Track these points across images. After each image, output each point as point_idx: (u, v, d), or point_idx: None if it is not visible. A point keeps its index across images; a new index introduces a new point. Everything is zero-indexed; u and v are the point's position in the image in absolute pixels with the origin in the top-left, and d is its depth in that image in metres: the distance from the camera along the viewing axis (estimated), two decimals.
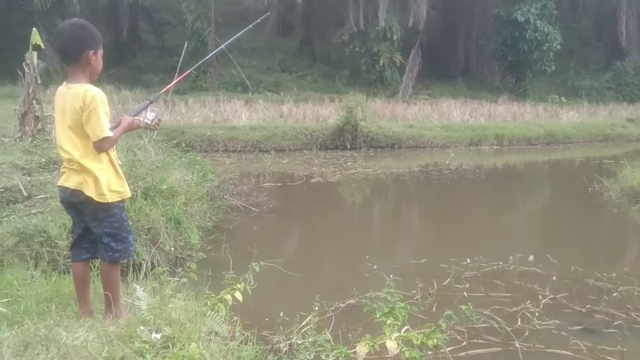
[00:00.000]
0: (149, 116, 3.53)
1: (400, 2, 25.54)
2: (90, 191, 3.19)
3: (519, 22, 24.92)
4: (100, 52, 3.25)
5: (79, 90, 3.10)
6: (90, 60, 3.19)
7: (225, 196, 8.46)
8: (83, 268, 3.43)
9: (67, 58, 3.19)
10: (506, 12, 25.73)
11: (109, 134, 3.15)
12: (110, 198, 3.24)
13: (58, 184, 3.37)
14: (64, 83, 3.23)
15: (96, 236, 3.35)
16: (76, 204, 3.28)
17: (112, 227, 3.30)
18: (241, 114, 17.84)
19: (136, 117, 3.49)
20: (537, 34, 25.07)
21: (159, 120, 3.61)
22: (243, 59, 26.03)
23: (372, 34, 24.85)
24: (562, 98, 26.75)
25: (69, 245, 3.48)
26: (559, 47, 25.93)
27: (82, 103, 3.07)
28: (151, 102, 3.64)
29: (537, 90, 27.64)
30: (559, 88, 29.01)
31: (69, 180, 3.23)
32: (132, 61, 27.05)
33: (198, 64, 5.00)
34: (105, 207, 3.25)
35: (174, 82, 4.26)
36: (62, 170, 3.33)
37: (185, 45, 14.96)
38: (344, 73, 27.07)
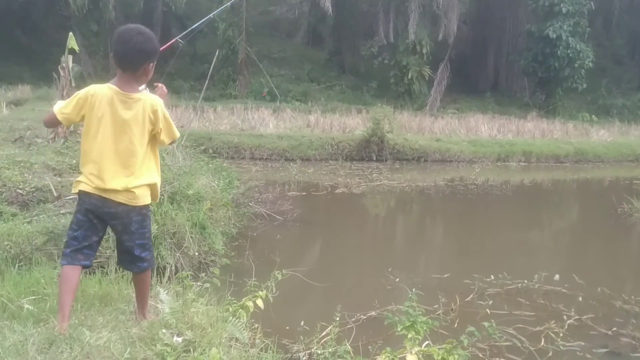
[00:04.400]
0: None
1: (431, 16, 25.47)
2: (139, 200, 3.13)
3: (551, 38, 24.67)
4: (155, 62, 3.20)
5: (146, 100, 3.10)
6: (148, 72, 3.15)
7: (250, 203, 8.51)
8: (77, 274, 3.16)
9: (126, 66, 3.09)
10: (538, 28, 25.49)
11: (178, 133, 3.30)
12: (148, 200, 3.22)
13: (85, 191, 3.13)
14: (113, 88, 3.09)
15: (124, 249, 3.23)
16: (112, 214, 3.13)
17: (145, 237, 3.23)
18: (268, 123, 17.95)
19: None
20: (568, 51, 24.78)
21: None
22: (272, 68, 26.22)
23: (402, 46, 24.84)
24: (593, 116, 26.35)
25: (66, 247, 3.17)
26: (590, 64, 25.56)
27: (152, 114, 3.10)
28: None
29: (567, 107, 27.28)
30: (589, 106, 28.59)
31: (111, 192, 3.08)
32: (164, 67, 27.35)
33: (187, 31, 5.01)
34: (141, 218, 3.17)
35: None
36: (89, 178, 3.12)
37: (217, 53, 15.21)
38: (372, 85, 27.08)
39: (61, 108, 3.15)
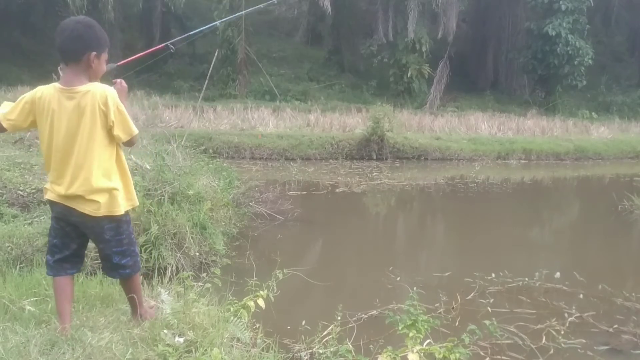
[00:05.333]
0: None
1: (430, 14, 25.46)
2: (104, 209, 2.95)
3: (550, 36, 24.66)
4: (105, 56, 3.01)
5: (95, 90, 2.86)
6: (92, 63, 2.93)
7: (250, 203, 8.52)
8: (68, 282, 3.15)
9: (67, 57, 2.90)
10: (537, 25, 25.47)
11: (136, 129, 3.01)
12: (124, 208, 3.03)
13: (50, 199, 3.00)
14: (57, 86, 2.91)
15: (103, 256, 3.16)
16: (81, 223, 3.02)
17: (123, 244, 3.09)
18: (268, 122, 17.95)
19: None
20: (568, 48, 24.76)
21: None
22: (272, 68, 26.21)
23: (401, 45, 24.82)
24: (593, 113, 26.32)
25: (49, 254, 3.11)
26: (590, 61, 25.54)
27: (102, 105, 2.86)
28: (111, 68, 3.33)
29: (567, 105, 27.27)
30: (589, 103, 28.57)
31: (73, 200, 2.93)
32: (163, 67, 27.40)
33: (183, 36, 5.01)
34: (115, 225, 3.02)
35: (137, 56, 4.22)
36: (51, 186, 2.98)
37: (216, 53, 15.23)
38: (372, 83, 27.07)
39: (5, 114, 2.93)
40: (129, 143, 3.03)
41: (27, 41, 25.69)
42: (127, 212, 3.11)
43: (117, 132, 2.92)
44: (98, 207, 2.93)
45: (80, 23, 2.93)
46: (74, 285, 3.29)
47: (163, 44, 4.59)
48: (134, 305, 3.33)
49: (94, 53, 2.92)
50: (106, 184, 2.94)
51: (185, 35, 5.08)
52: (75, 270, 3.18)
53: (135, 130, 3.00)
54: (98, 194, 2.92)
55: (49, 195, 3.02)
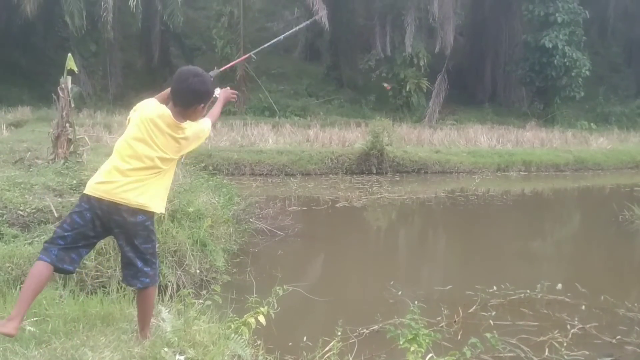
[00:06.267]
0: (215, 92, 3.59)
1: (427, 28, 25.62)
2: (153, 205, 3.16)
3: (547, 48, 24.80)
4: (208, 105, 3.38)
5: (184, 126, 3.21)
6: (197, 112, 3.30)
7: (250, 219, 8.52)
8: (49, 274, 3.10)
9: (178, 102, 3.26)
10: (534, 38, 25.63)
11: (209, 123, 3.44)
12: (163, 208, 3.30)
13: (94, 195, 3.10)
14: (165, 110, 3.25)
15: (128, 260, 3.19)
16: (117, 221, 3.11)
17: (148, 251, 3.20)
18: (268, 138, 18.00)
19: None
20: (565, 60, 24.90)
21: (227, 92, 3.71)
22: (271, 84, 26.33)
23: (399, 59, 24.95)
24: (592, 124, 26.40)
25: (51, 243, 3.11)
26: (587, 73, 25.66)
27: (184, 138, 3.21)
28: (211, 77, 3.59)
29: (565, 116, 27.34)
30: (588, 114, 28.65)
31: (123, 195, 3.07)
32: (163, 85, 27.21)
33: (258, 49, 5.13)
34: (148, 226, 3.17)
35: (233, 62, 4.77)
36: (105, 179, 3.11)
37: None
38: (371, 98, 27.16)
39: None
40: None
41: (27, 61, 25.85)
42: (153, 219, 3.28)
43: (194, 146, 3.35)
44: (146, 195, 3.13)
45: (198, 77, 3.26)
46: (48, 282, 3.27)
47: (247, 55, 4.87)
48: (145, 322, 3.32)
49: (202, 105, 3.30)
50: (159, 177, 3.23)
51: (267, 44, 5.20)
52: (71, 267, 3.16)
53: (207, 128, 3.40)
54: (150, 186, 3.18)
55: (94, 193, 3.11)
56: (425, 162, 17.14)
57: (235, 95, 3.75)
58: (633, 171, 20.04)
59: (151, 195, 3.14)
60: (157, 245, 3.35)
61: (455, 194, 13.73)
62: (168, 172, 3.26)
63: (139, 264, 3.17)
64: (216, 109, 3.60)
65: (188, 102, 3.22)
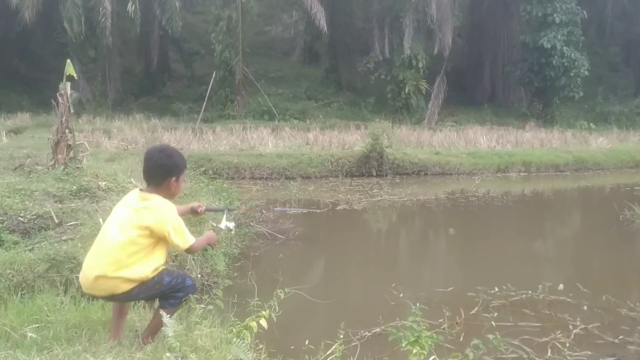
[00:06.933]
0: (230, 224, 3.88)
1: (426, 30, 25.65)
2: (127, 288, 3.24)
3: (546, 48, 24.81)
4: (183, 177, 3.48)
5: (154, 204, 3.28)
6: (171, 187, 3.40)
7: (251, 223, 8.52)
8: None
9: (150, 181, 3.41)
10: (532, 38, 25.63)
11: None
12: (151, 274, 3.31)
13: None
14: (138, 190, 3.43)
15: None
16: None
17: (159, 292, 3.37)
18: (268, 142, 18.00)
19: (213, 223, 3.86)
20: (564, 60, 24.91)
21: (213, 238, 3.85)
22: (270, 88, 26.36)
23: (398, 61, 24.97)
24: (591, 124, 26.41)
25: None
26: (586, 73, 25.67)
27: (161, 218, 3.25)
28: (229, 210, 3.99)
29: (564, 116, 27.34)
30: (587, 114, 28.66)
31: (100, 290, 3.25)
32: (162, 90, 27.60)
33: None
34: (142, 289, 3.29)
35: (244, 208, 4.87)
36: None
37: (214, 75, 15.29)
38: (370, 100, 27.18)
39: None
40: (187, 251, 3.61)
41: (26, 68, 25.90)
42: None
43: (175, 241, 3.36)
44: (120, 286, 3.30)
45: (163, 152, 3.43)
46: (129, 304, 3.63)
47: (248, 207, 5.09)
48: (154, 332, 3.45)
49: (174, 178, 3.41)
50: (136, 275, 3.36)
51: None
52: None
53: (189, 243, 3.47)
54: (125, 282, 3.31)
55: None
56: (425, 164, 17.14)
57: (215, 245, 3.88)
58: (633, 170, 20.04)
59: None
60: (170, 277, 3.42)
61: (455, 195, 13.72)
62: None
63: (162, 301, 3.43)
64: (201, 242, 3.66)
65: (158, 177, 3.36)
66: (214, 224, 3.82)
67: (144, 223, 3.20)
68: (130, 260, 3.18)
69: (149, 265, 3.25)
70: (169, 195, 3.41)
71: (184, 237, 3.34)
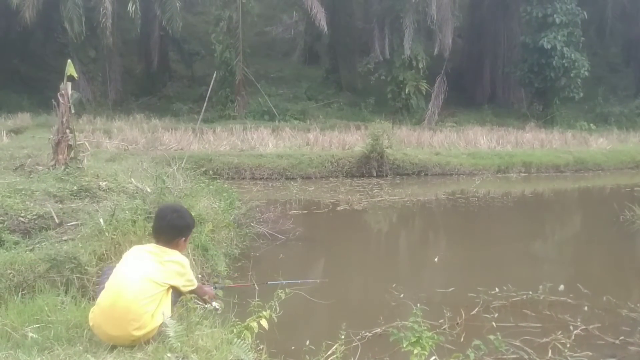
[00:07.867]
0: (215, 304, 4.05)
1: (426, 31, 25.66)
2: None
3: (546, 49, 24.81)
4: (190, 236, 3.70)
5: (174, 258, 3.48)
6: (179, 245, 3.59)
7: (251, 224, 8.50)
8: None
9: (160, 238, 3.56)
10: (532, 39, 25.62)
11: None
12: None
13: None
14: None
15: None
16: None
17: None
18: (268, 142, 18.00)
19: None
20: (564, 61, 24.90)
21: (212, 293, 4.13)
22: (270, 88, 26.35)
23: (398, 62, 24.96)
24: (591, 125, 26.40)
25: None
26: (586, 73, 25.66)
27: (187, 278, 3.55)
28: (216, 288, 4.29)
29: (565, 117, 27.32)
30: (587, 115, 28.64)
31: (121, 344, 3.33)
32: (162, 91, 27.61)
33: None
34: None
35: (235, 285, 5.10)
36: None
37: (214, 75, 15.27)
38: (370, 101, 27.17)
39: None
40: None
41: (26, 68, 25.90)
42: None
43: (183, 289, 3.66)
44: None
45: (176, 212, 3.62)
46: None
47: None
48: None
49: (183, 238, 3.63)
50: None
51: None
52: None
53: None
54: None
55: None
56: (425, 164, 17.14)
57: (212, 298, 4.09)
58: (633, 171, 20.05)
59: None
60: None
61: (455, 195, 13.72)
62: None
63: None
64: (206, 292, 3.99)
65: (169, 237, 3.53)
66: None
67: (169, 282, 3.43)
68: (148, 317, 3.33)
69: (165, 312, 3.47)
70: (178, 250, 3.60)
71: (193, 286, 3.66)
